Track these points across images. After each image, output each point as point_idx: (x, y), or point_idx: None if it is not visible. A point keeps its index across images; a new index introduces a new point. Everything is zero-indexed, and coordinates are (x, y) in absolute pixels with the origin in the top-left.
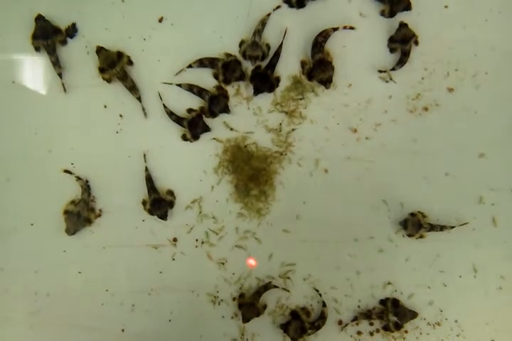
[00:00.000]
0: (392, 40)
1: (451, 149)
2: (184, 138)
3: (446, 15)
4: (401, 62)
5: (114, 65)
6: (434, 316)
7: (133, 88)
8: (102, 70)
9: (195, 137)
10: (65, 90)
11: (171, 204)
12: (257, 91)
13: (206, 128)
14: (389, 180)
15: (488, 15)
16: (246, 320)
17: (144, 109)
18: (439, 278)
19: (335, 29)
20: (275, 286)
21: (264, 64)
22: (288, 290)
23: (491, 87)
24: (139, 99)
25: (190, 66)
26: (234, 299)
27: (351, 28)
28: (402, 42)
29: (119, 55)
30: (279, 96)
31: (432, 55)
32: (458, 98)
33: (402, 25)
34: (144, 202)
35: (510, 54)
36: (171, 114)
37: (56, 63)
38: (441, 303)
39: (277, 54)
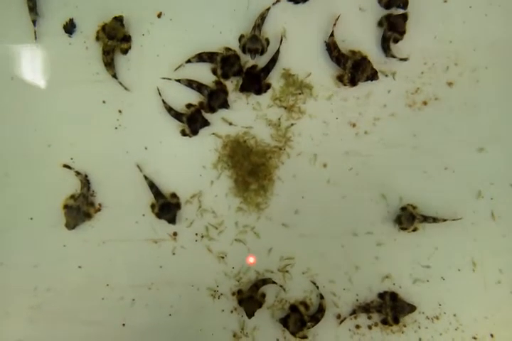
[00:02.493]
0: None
1: (450, 143)
2: (183, 133)
3: (445, 9)
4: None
5: (112, 38)
6: (432, 310)
7: (109, 65)
8: (103, 29)
9: (195, 132)
10: (35, 38)
11: (178, 206)
12: (244, 89)
13: (205, 123)
14: (388, 175)
15: (487, 10)
16: (250, 314)
17: (121, 83)
18: (437, 272)
19: (332, 34)
20: (273, 282)
21: (260, 64)
22: (284, 289)
23: (491, 82)
24: (114, 76)
25: (189, 61)
26: (233, 293)
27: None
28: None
29: (125, 38)
30: (278, 91)
31: (431, 49)
32: (457, 92)
33: None
34: (152, 206)
35: (510, 48)
36: (169, 110)
37: (33, 9)
38: (440, 297)
39: (274, 60)
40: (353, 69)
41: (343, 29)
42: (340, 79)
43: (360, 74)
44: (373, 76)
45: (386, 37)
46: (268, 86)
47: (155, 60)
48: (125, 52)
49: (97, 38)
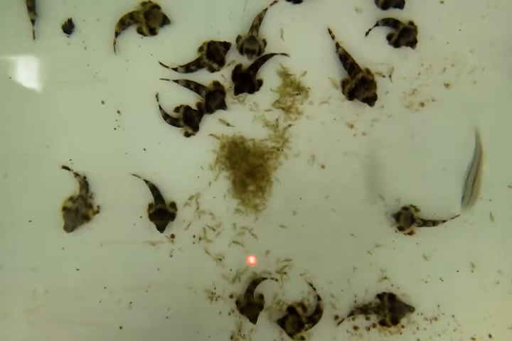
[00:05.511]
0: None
1: (448, 144)
2: (187, 134)
3: (442, 10)
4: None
5: (145, 18)
6: (431, 311)
7: (122, 24)
8: (152, 7)
9: (196, 128)
10: (34, 38)
11: (172, 217)
12: (238, 90)
13: (201, 114)
14: (386, 176)
15: (484, 11)
16: (254, 320)
17: (115, 42)
18: (436, 273)
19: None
20: (263, 278)
21: (246, 64)
22: (276, 280)
23: (488, 83)
24: (117, 34)
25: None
26: (231, 296)
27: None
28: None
29: (152, 30)
30: (275, 92)
31: (428, 51)
32: (454, 93)
33: None
34: (150, 206)
35: (507, 49)
36: (165, 118)
37: (32, 8)
38: (438, 298)
39: (264, 58)
40: (359, 83)
41: (338, 30)
42: (343, 84)
43: (362, 90)
44: (371, 99)
45: (395, 25)
46: (260, 82)
47: (153, 60)
48: (139, 32)
49: (142, 4)
